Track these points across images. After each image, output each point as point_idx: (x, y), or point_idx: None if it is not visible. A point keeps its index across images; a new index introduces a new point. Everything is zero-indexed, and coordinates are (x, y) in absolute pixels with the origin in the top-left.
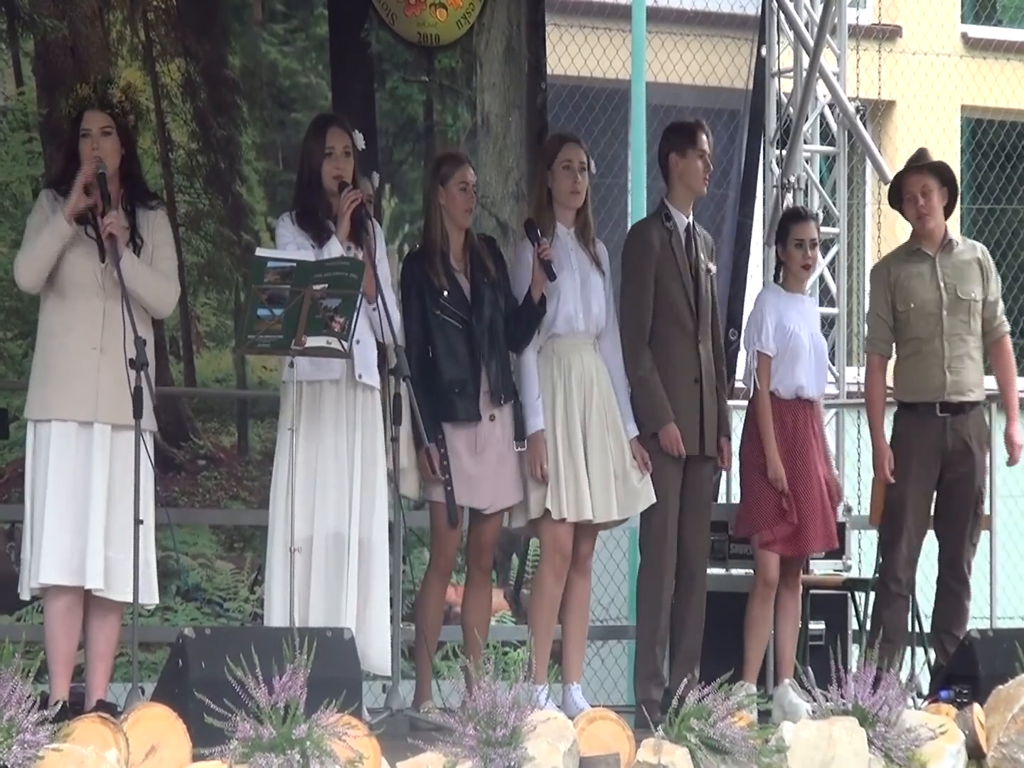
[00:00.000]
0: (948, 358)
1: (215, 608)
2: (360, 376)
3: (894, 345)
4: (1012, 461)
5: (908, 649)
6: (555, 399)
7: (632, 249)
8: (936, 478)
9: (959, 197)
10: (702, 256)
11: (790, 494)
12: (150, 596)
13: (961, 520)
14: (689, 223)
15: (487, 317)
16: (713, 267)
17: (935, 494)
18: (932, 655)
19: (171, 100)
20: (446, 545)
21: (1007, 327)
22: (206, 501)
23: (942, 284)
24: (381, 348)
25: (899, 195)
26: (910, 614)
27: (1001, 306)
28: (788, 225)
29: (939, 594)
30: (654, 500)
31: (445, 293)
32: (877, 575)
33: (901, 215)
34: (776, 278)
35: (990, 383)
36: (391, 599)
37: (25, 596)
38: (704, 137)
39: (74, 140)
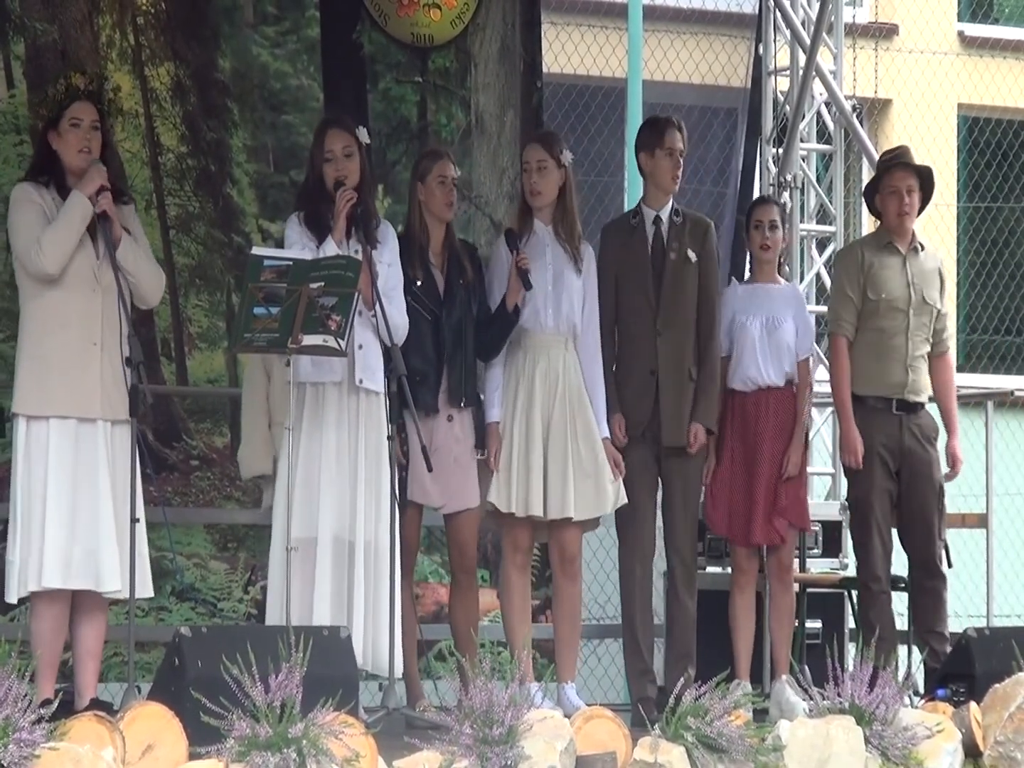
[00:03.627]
0: (910, 357)
1: (209, 608)
2: (361, 381)
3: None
4: (952, 475)
5: (904, 647)
6: (517, 392)
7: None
8: (895, 472)
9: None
10: (675, 245)
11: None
12: (147, 590)
13: (928, 519)
14: (658, 215)
15: (457, 317)
16: (693, 255)
17: (898, 496)
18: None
19: (160, 104)
20: (405, 537)
21: (949, 344)
22: (199, 501)
23: (912, 283)
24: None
25: (876, 187)
26: (905, 609)
27: (947, 321)
28: (750, 210)
29: (915, 597)
30: (626, 500)
31: (418, 283)
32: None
33: (869, 207)
34: (751, 271)
35: (984, 382)
36: (390, 599)
37: (12, 599)
38: (676, 134)
39: (52, 124)
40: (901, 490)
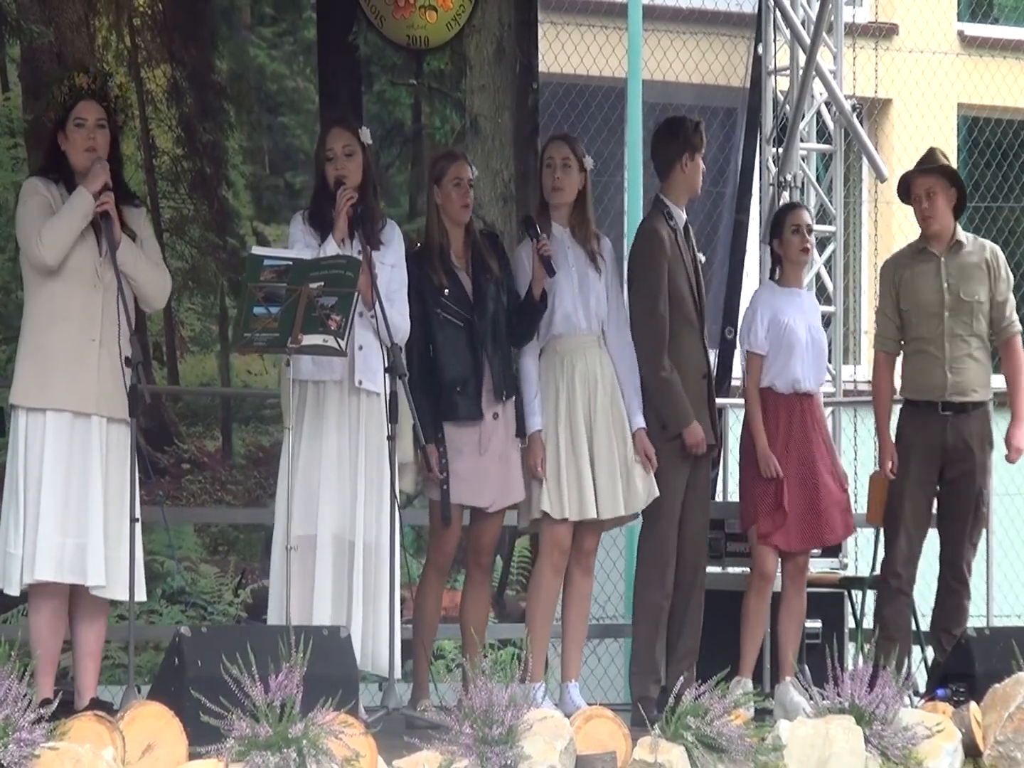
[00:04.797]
0: (949, 359)
1: (200, 611)
2: (360, 383)
3: (901, 343)
4: (1011, 460)
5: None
6: (558, 399)
7: (644, 249)
8: (937, 476)
9: (966, 197)
10: (695, 250)
11: (785, 487)
12: (140, 594)
13: (960, 520)
14: (686, 219)
15: (490, 313)
16: (702, 257)
17: (937, 493)
18: (930, 653)
19: (156, 106)
20: (444, 543)
21: (1018, 328)
22: (190, 505)
23: (945, 285)
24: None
25: (908, 193)
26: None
27: (1011, 306)
28: (783, 215)
29: (940, 593)
30: (657, 494)
31: (446, 291)
32: (878, 572)
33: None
34: (772, 275)
35: (999, 381)
36: (391, 598)
37: (14, 592)
38: (702, 137)
39: (59, 126)
40: (942, 490)
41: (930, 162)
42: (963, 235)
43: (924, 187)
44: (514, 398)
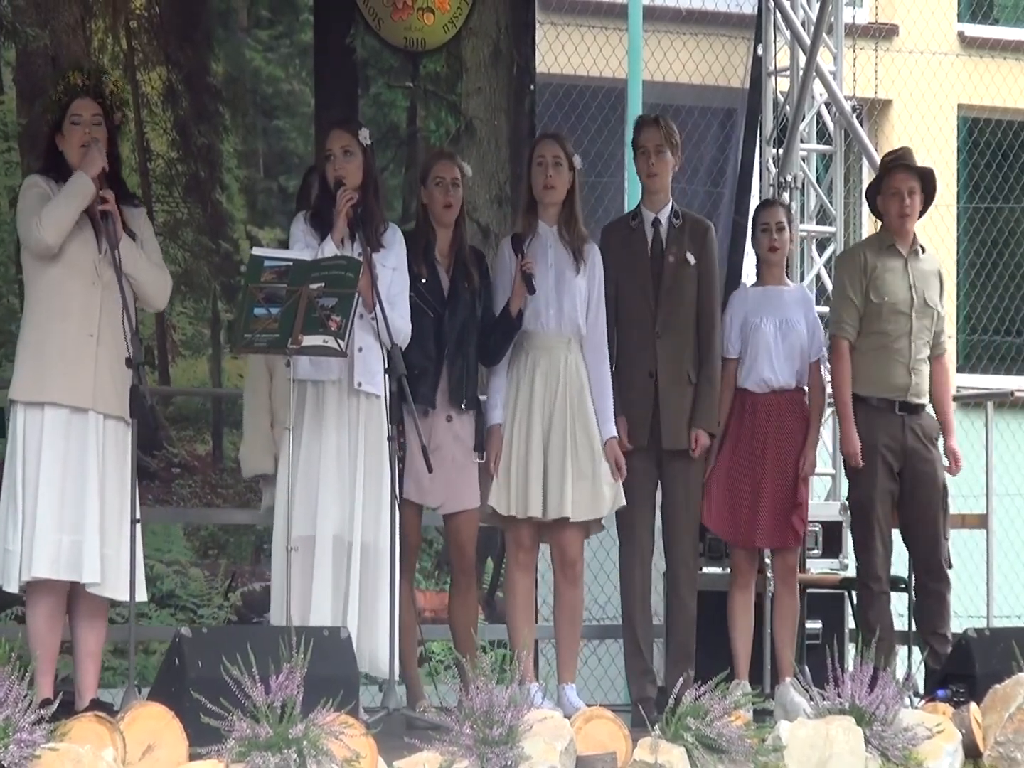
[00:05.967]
0: (912, 359)
1: (189, 615)
2: (359, 384)
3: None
4: (954, 471)
5: (904, 647)
6: (518, 394)
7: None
8: (897, 473)
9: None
10: (674, 248)
11: (717, 485)
12: (140, 594)
13: (933, 520)
14: (657, 217)
15: (460, 318)
16: (692, 257)
17: (900, 496)
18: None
19: (151, 109)
20: (403, 536)
21: (947, 346)
22: (182, 508)
23: (913, 286)
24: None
25: (878, 189)
26: (906, 610)
27: (945, 324)
28: (756, 213)
29: (919, 597)
30: (623, 503)
31: (423, 280)
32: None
33: (871, 208)
34: (759, 273)
35: (984, 382)
36: (390, 599)
37: (13, 589)
38: (648, 131)
39: (56, 127)
40: (903, 491)
41: (908, 159)
42: (922, 240)
43: (907, 184)
44: (473, 412)
